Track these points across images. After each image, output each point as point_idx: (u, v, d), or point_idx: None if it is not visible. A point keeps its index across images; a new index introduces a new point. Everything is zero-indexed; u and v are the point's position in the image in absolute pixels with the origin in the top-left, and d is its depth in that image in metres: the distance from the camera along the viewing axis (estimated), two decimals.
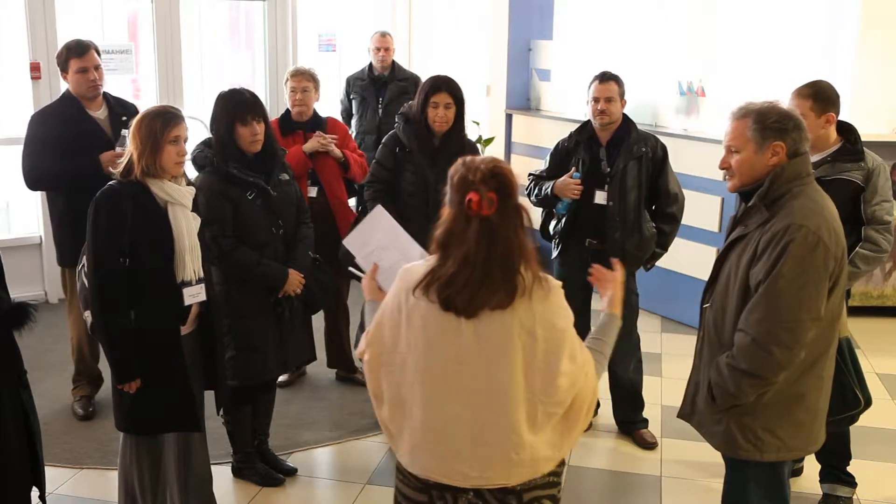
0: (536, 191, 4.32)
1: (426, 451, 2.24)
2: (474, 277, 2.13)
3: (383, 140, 4.34)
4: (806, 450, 2.82)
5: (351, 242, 3.07)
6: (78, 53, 4.32)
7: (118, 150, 4.18)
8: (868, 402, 3.32)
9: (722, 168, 2.76)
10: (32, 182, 4.44)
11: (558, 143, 4.37)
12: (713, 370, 2.69)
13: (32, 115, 4.53)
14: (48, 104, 4.69)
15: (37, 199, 6.13)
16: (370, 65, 6.47)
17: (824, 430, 2.82)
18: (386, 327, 2.28)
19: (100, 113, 4.42)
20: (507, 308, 2.15)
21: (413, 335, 2.22)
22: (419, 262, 2.28)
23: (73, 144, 4.25)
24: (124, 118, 4.34)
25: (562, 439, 2.27)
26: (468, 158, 2.22)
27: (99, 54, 4.42)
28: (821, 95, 3.49)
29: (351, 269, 3.05)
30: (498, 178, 2.15)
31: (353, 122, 6.44)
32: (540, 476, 2.25)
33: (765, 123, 2.62)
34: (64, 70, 4.38)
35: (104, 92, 4.47)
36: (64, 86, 5.91)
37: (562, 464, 2.34)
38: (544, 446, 2.23)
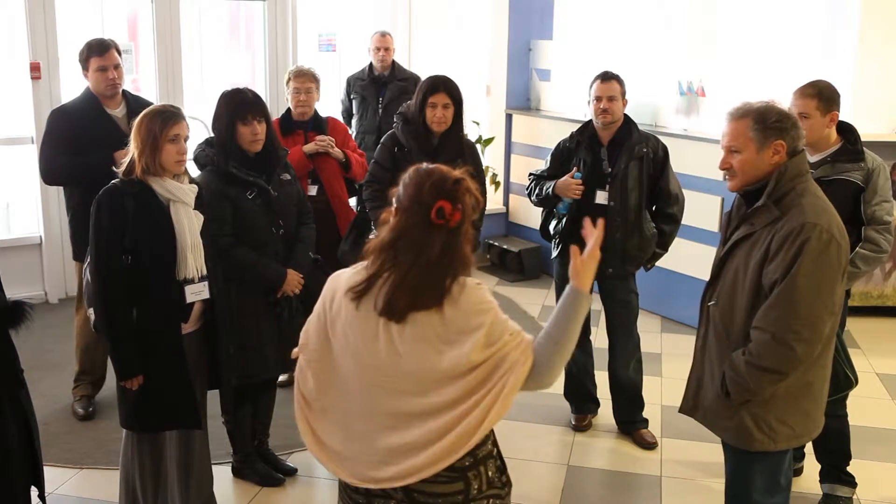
0: (537, 191, 4.32)
1: (354, 459, 2.25)
2: (415, 280, 2.13)
3: (382, 140, 4.34)
4: (811, 435, 2.87)
5: None
6: (99, 52, 4.36)
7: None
8: (856, 381, 3.39)
9: (723, 169, 2.78)
10: (48, 177, 4.50)
11: (559, 142, 4.37)
12: (728, 367, 2.72)
13: (52, 111, 4.57)
14: (68, 101, 4.71)
15: (37, 198, 6.15)
16: (370, 65, 6.47)
17: (824, 414, 2.88)
18: (312, 333, 2.33)
19: (118, 111, 4.46)
20: (431, 309, 2.14)
21: (338, 343, 2.25)
22: (347, 269, 2.29)
23: (91, 141, 4.28)
24: None
25: (488, 411, 2.16)
26: (434, 168, 2.21)
27: (119, 54, 4.46)
28: (824, 95, 3.50)
29: None
30: (470, 194, 2.18)
31: (354, 121, 6.44)
32: (476, 487, 2.22)
33: (766, 123, 2.66)
34: (84, 68, 4.42)
35: (123, 90, 4.51)
36: (64, 85, 5.98)
37: (504, 484, 2.30)
38: (469, 419, 2.16)
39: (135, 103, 4.51)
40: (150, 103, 4.63)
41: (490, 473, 2.26)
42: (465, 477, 2.22)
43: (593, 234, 2.34)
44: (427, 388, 2.17)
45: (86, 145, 4.27)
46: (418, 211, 2.15)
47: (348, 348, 2.23)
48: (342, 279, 2.26)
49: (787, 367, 2.61)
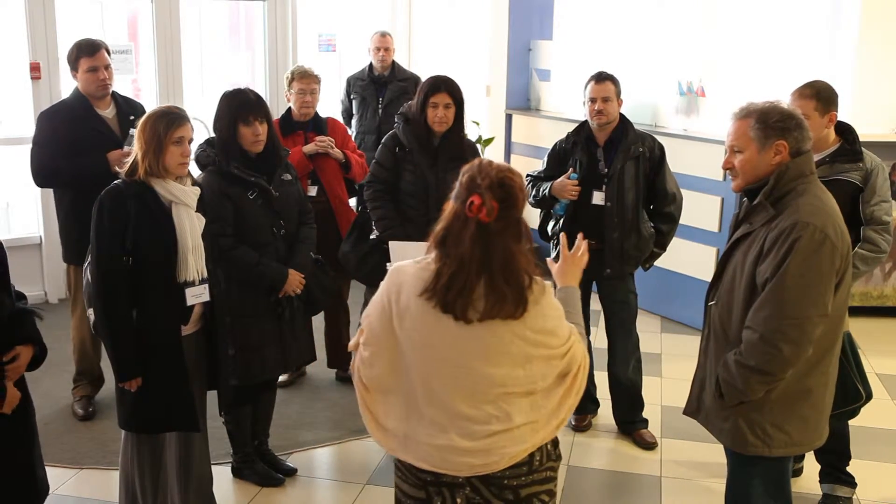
0: (534, 192, 4.32)
1: (428, 444, 2.25)
2: (471, 283, 2.14)
3: (383, 140, 4.33)
4: (812, 444, 2.84)
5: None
6: (89, 52, 4.34)
7: (126, 149, 4.20)
8: (869, 396, 3.34)
9: (725, 168, 2.79)
10: (40, 179, 4.47)
11: (556, 143, 4.38)
12: (721, 367, 2.72)
13: (41, 113, 4.55)
14: (57, 102, 4.70)
15: (37, 198, 6.15)
16: (370, 65, 6.47)
17: (828, 424, 2.84)
18: (376, 326, 2.30)
19: (108, 112, 4.44)
20: (518, 319, 2.17)
21: (407, 335, 2.23)
22: (408, 261, 2.29)
23: (81, 143, 4.27)
24: (132, 117, 4.36)
25: (559, 407, 2.30)
26: (484, 161, 2.23)
27: (109, 54, 4.45)
28: (823, 95, 3.50)
29: None
30: (505, 189, 2.16)
31: (354, 122, 6.44)
32: (538, 459, 2.30)
33: (767, 123, 2.65)
34: (74, 68, 4.40)
35: (113, 91, 4.49)
36: (64, 85, 5.98)
37: (557, 457, 2.38)
38: (546, 416, 2.28)
39: (125, 104, 4.50)
40: (140, 105, 4.63)
41: (549, 446, 2.35)
42: None
43: (579, 246, 2.56)
44: (504, 373, 2.20)
45: (76, 147, 4.25)
46: (459, 204, 2.19)
47: (419, 341, 2.23)
48: (408, 273, 2.24)
49: (774, 368, 2.59)
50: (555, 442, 2.39)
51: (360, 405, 2.37)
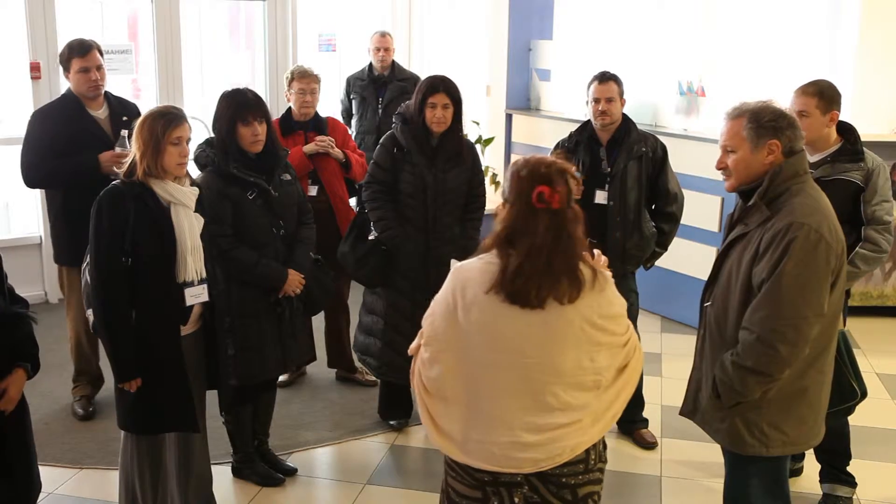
0: None
1: (491, 443, 2.27)
2: (539, 268, 2.20)
3: (381, 140, 4.33)
4: (808, 443, 2.85)
5: None
6: (80, 53, 4.32)
7: (117, 150, 4.19)
8: (864, 394, 3.35)
9: (719, 168, 2.79)
10: (30, 180, 4.43)
11: (558, 143, 4.37)
12: (718, 368, 2.71)
13: (33, 113, 4.53)
14: (49, 102, 4.68)
15: (37, 198, 6.14)
16: (370, 65, 6.47)
17: (825, 423, 2.85)
18: (440, 326, 2.32)
19: (100, 112, 4.42)
20: (575, 302, 2.22)
21: (474, 329, 2.26)
22: (472, 260, 2.34)
23: (73, 143, 4.24)
24: (125, 118, 4.34)
25: (616, 399, 2.35)
26: (530, 157, 2.31)
27: (101, 54, 4.42)
28: (825, 94, 3.50)
29: None
30: (565, 177, 2.25)
31: (353, 122, 6.44)
32: (592, 457, 2.37)
33: (759, 122, 2.65)
34: (66, 69, 4.38)
35: (105, 92, 4.46)
36: (64, 85, 5.96)
37: (605, 459, 2.44)
38: (604, 408, 2.33)
39: (118, 105, 4.48)
40: (134, 105, 4.62)
41: (600, 446, 2.40)
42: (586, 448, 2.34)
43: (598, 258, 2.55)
44: (571, 363, 2.25)
45: (67, 147, 4.23)
46: (521, 199, 2.24)
47: (486, 333, 2.26)
48: (473, 270, 2.29)
49: (771, 369, 2.59)
50: (605, 444, 2.43)
51: (419, 408, 2.40)
